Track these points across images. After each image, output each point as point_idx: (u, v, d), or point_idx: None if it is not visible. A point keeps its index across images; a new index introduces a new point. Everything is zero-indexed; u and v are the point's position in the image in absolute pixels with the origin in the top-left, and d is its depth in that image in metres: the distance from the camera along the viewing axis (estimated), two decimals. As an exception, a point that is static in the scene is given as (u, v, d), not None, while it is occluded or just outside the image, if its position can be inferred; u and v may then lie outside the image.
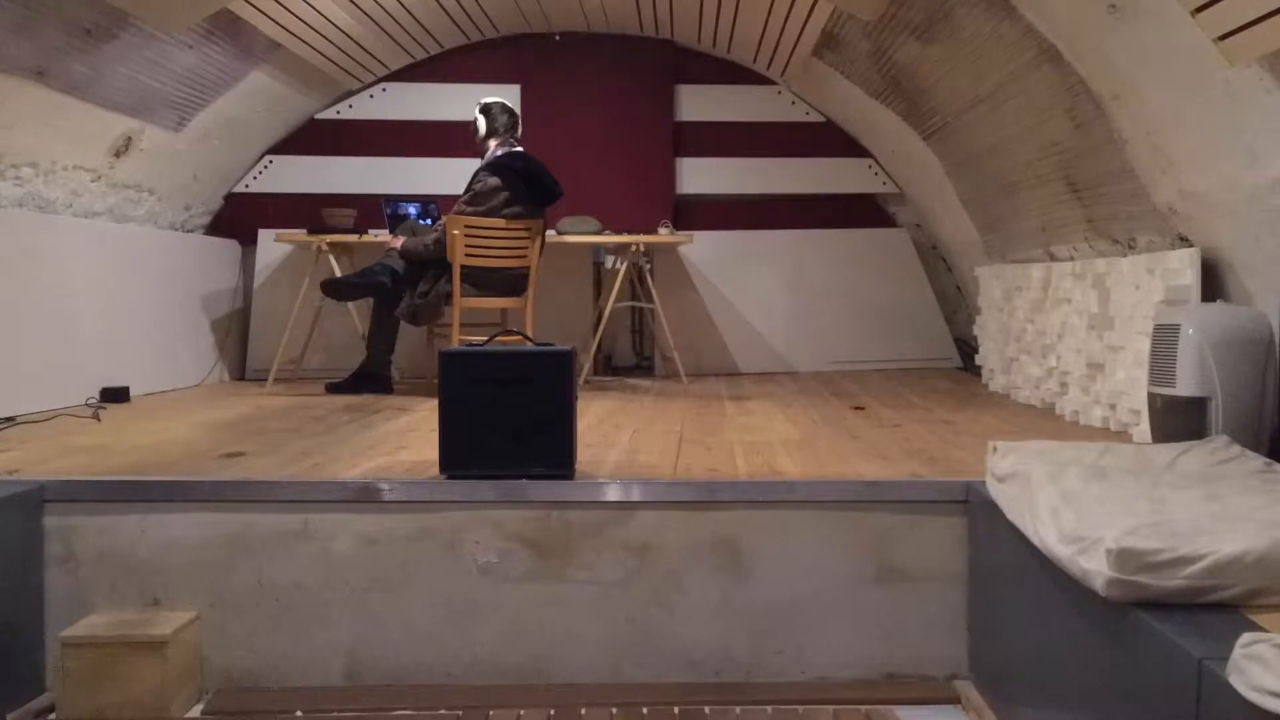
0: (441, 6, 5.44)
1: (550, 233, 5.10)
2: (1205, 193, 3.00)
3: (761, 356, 6.06)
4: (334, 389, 4.84)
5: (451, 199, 5.67)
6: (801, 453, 3.12)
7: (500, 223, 4.64)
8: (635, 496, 2.59)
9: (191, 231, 5.66)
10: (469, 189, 4.72)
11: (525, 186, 4.67)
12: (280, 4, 4.59)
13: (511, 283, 4.75)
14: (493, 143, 4.81)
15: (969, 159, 4.73)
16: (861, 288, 6.07)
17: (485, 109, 4.86)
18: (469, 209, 4.62)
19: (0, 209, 4.03)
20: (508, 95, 5.99)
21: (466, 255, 4.51)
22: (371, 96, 6.05)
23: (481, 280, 4.62)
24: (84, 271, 4.51)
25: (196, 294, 5.51)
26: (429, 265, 4.69)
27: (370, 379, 4.87)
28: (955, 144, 4.77)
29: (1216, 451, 2.36)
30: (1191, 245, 3.14)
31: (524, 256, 4.71)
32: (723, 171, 6.12)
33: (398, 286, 4.70)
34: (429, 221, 5.25)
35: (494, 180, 4.64)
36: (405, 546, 2.57)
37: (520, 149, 4.82)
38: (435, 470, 2.65)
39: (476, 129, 4.85)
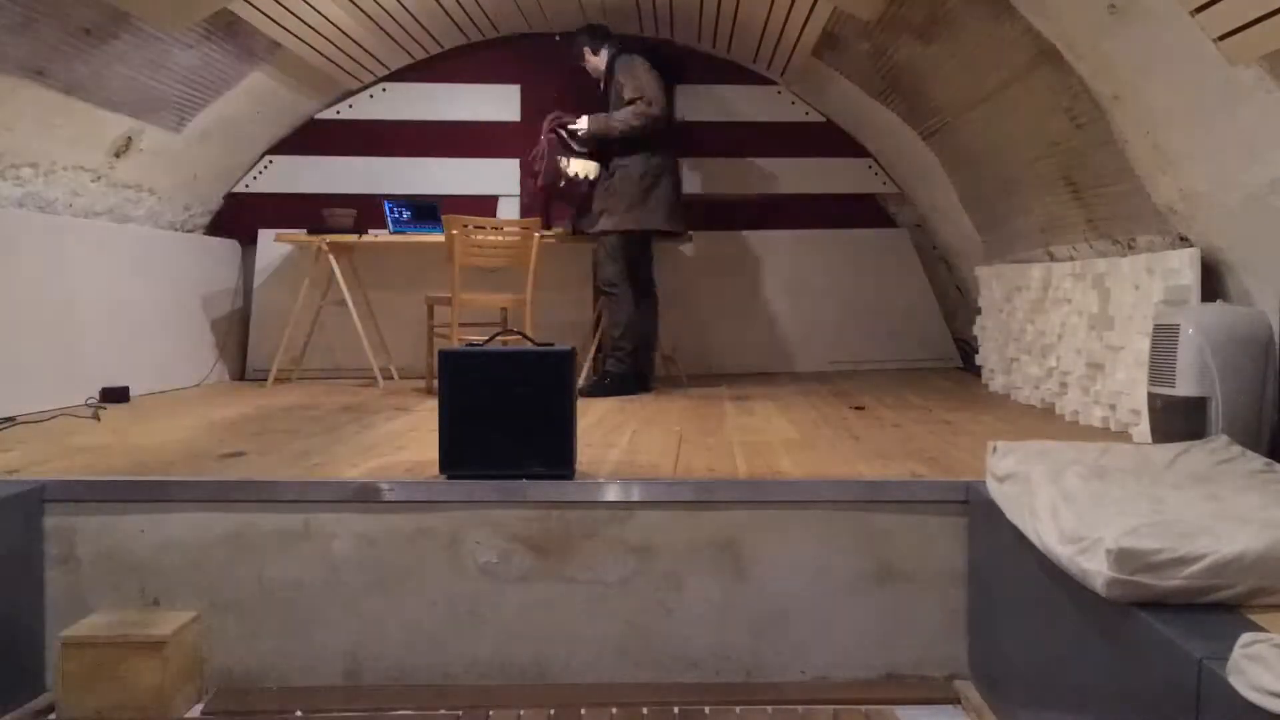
0: (441, 6, 5.43)
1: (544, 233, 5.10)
2: (1205, 193, 3.00)
3: (761, 356, 6.05)
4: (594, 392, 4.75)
5: (451, 199, 5.71)
6: (801, 453, 3.12)
7: (498, 221, 4.64)
8: (635, 496, 2.59)
9: (191, 231, 5.66)
10: (618, 88, 4.76)
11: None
12: (280, 4, 4.59)
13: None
14: (604, 50, 4.97)
15: (969, 159, 4.73)
16: (862, 288, 6.06)
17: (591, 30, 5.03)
18: (642, 96, 4.69)
19: (0, 209, 4.03)
20: (508, 95, 6.05)
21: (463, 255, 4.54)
22: (371, 96, 6.04)
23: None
24: (84, 271, 4.50)
25: (196, 294, 5.51)
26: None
27: (630, 379, 4.82)
28: (955, 144, 4.76)
29: (1216, 451, 2.36)
30: (1191, 245, 3.14)
31: (523, 255, 4.69)
32: (722, 171, 6.11)
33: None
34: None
35: (639, 58, 4.80)
36: (405, 546, 2.57)
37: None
38: (435, 470, 2.65)
39: (593, 51, 4.99)
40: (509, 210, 5.92)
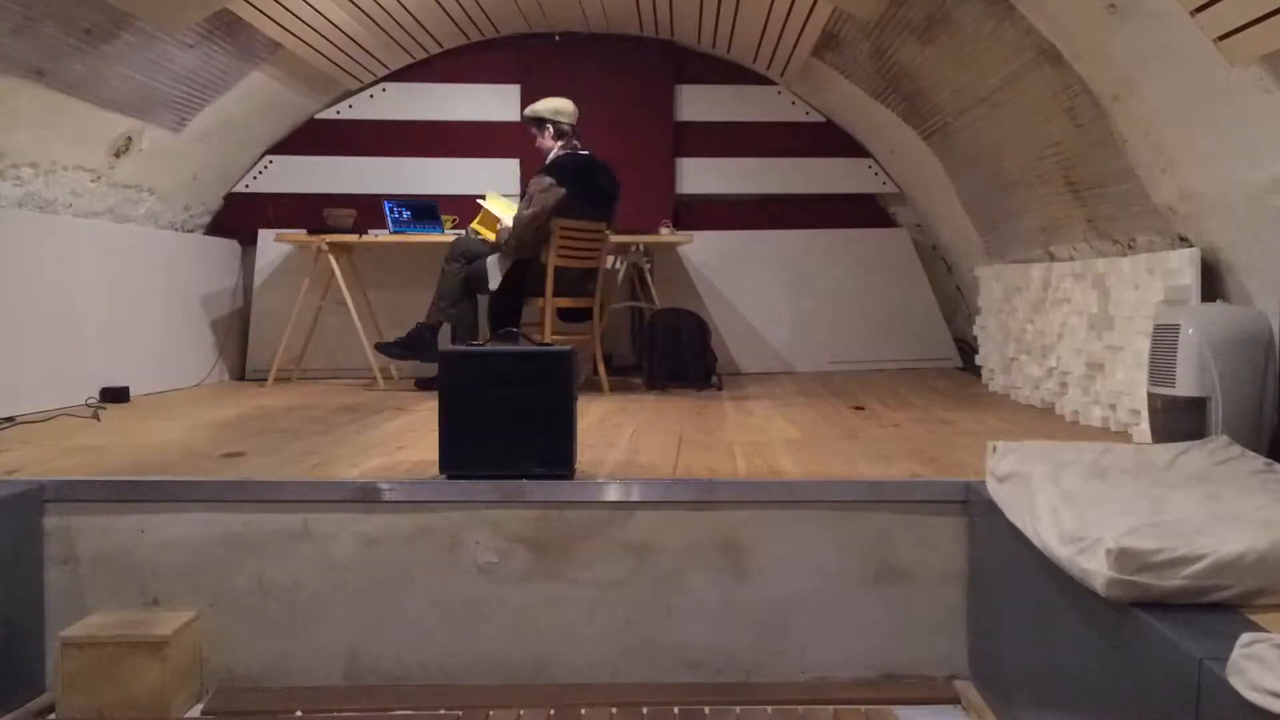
0: (441, 6, 5.44)
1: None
2: (1205, 193, 3.00)
3: (761, 356, 6.05)
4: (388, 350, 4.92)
5: (451, 199, 5.71)
6: (802, 453, 3.12)
7: (573, 223, 4.64)
8: (635, 496, 2.59)
9: (191, 231, 5.66)
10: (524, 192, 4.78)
11: (580, 186, 4.69)
12: (280, 4, 4.59)
13: (579, 283, 4.74)
14: (556, 145, 4.88)
15: (969, 159, 4.73)
16: (861, 288, 6.07)
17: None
18: (524, 211, 4.68)
19: (0, 209, 4.03)
20: (508, 95, 6.04)
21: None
22: (371, 96, 6.05)
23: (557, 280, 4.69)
24: (84, 271, 4.50)
25: (196, 294, 5.51)
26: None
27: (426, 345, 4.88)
28: (955, 144, 4.76)
29: (1216, 451, 2.36)
30: (1191, 245, 3.14)
31: (594, 257, 4.67)
32: (723, 171, 6.12)
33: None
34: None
35: (548, 179, 4.69)
36: (405, 546, 2.57)
37: (584, 151, 4.88)
38: (435, 470, 2.65)
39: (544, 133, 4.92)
40: (508, 210, 5.91)
